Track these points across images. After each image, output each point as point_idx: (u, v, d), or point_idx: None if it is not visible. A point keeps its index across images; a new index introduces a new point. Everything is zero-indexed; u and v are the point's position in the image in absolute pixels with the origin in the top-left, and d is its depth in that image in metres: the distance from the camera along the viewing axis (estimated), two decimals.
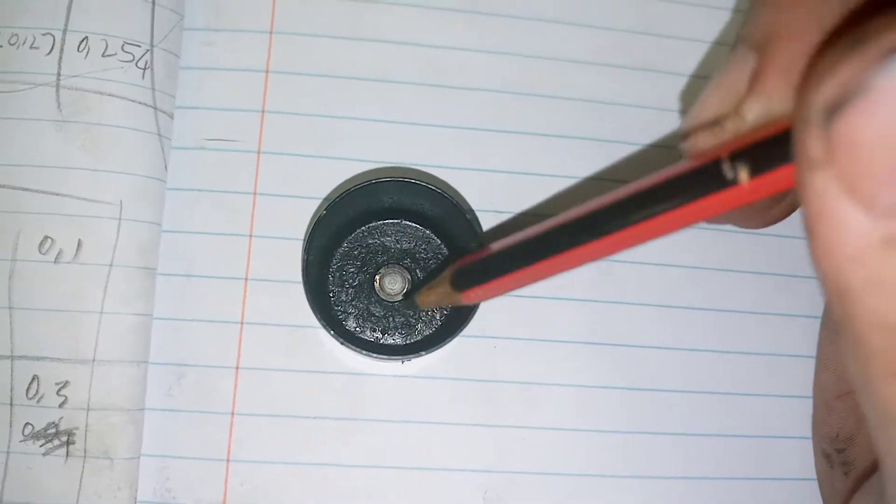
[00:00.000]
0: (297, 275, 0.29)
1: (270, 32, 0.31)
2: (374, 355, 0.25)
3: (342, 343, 0.25)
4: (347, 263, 0.28)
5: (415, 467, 0.28)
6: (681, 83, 0.32)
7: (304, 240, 0.27)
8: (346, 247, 0.29)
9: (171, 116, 0.29)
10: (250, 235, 0.29)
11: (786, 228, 0.29)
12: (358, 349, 0.25)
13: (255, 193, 0.30)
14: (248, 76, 0.31)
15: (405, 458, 0.28)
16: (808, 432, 0.29)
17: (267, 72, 0.31)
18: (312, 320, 0.29)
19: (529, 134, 0.31)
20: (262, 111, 0.30)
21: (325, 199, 0.30)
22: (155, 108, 0.29)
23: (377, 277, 0.29)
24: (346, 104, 0.30)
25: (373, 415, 0.28)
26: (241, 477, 0.28)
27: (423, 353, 0.26)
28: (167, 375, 0.28)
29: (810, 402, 0.29)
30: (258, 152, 0.30)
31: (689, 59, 0.32)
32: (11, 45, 0.28)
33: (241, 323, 0.29)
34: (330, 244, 0.28)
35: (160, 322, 0.28)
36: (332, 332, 0.25)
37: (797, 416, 0.30)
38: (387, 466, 0.28)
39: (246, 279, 0.29)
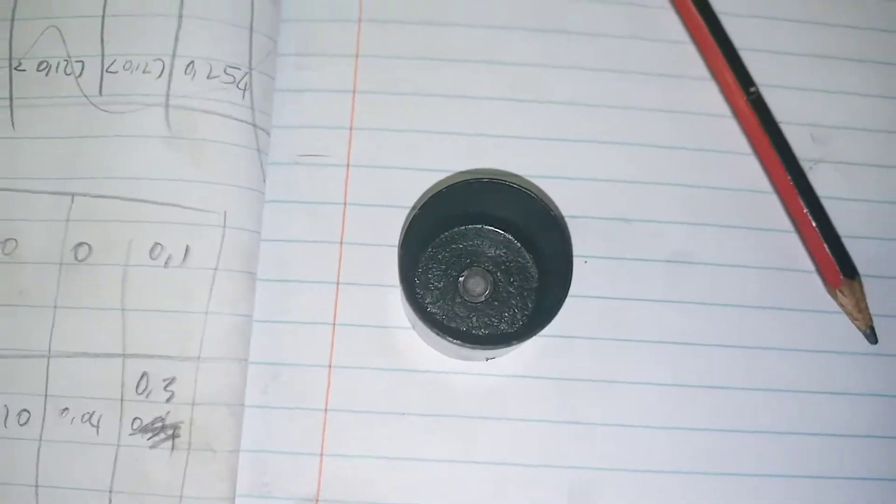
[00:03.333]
0: (385, 279, 0.30)
1: (356, 56, 0.32)
2: (466, 345, 0.25)
3: (437, 333, 0.25)
4: (432, 266, 0.29)
5: (499, 462, 0.28)
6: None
7: (401, 236, 0.28)
8: (431, 251, 0.29)
9: (268, 133, 0.31)
10: (341, 242, 0.30)
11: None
12: (451, 339, 0.25)
13: (344, 203, 0.30)
14: (336, 96, 0.32)
15: (489, 453, 0.28)
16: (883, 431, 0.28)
17: (354, 92, 0.32)
18: (400, 321, 0.29)
19: (606, 143, 0.31)
20: (350, 128, 0.31)
21: (411, 207, 0.30)
22: (254, 126, 0.30)
23: (461, 280, 0.29)
24: (427, 120, 0.31)
25: (457, 412, 0.28)
26: (334, 471, 0.28)
27: (515, 342, 0.26)
28: (264, 374, 0.29)
29: (878, 400, 0.28)
30: (347, 166, 0.31)
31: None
32: (126, 70, 0.30)
33: (334, 324, 0.29)
34: (416, 249, 0.29)
35: (257, 324, 0.29)
36: (428, 323, 0.25)
37: (874, 416, 0.29)
38: (472, 462, 0.28)
39: (337, 283, 0.30)
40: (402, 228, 0.28)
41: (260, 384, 0.29)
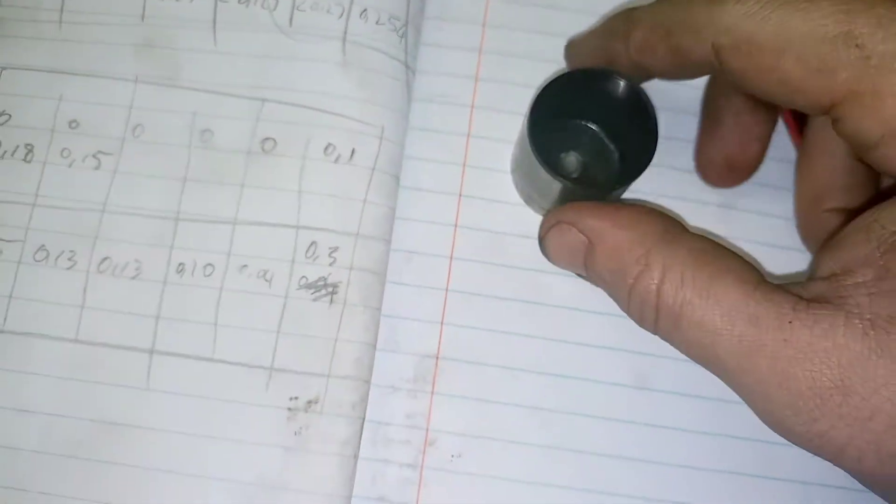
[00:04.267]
0: (497, 195, 0.37)
1: (483, 25, 0.40)
2: (586, 189, 0.32)
3: (553, 175, 0.31)
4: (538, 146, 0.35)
5: (581, 343, 0.35)
6: None
7: (531, 104, 0.32)
8: (536, 136, 0.35)
9: (414, 73, 0.38)
10: (464, 165, 0.37)
11: None
12: (565, 181, 0.31)
13: (468, 135, 0.38)
14: (465, 54, 0.39)
15: (574, 336, 0.35)
16: None
17: (480, 51, 0.39)
18: (508, 228, 0.37)
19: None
20: (476, 78, 0.39)
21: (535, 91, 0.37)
22: (406, 66, 0.37)
23: (560, 156, 0.35)
24: (540, 77, 0.39)
25: (555, 302, 0.36)
26: (450, 336, 0.35)
27: (617, 186, 0.32)
28: (400, 258, 0.36)
29: None
30: (472, 106, 0.38)
31: None
32: (312, 10, 0.37)
33: (455, 225, 0.36)
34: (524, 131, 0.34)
35: (398, 220, 0.36)
36: (546, 166, 0.31)
37: None
38: (559, 340, 0.35)
39: (460, 195, 0.37)
40: (532, 100, 0.33)
41: (397, 265, 0.36)
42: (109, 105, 0.36)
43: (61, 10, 0.38)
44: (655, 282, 0.27)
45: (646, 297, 0.27)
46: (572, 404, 0.35)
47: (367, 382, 0.33)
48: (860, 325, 0.23)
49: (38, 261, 0.35)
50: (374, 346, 0.34)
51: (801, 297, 0.25)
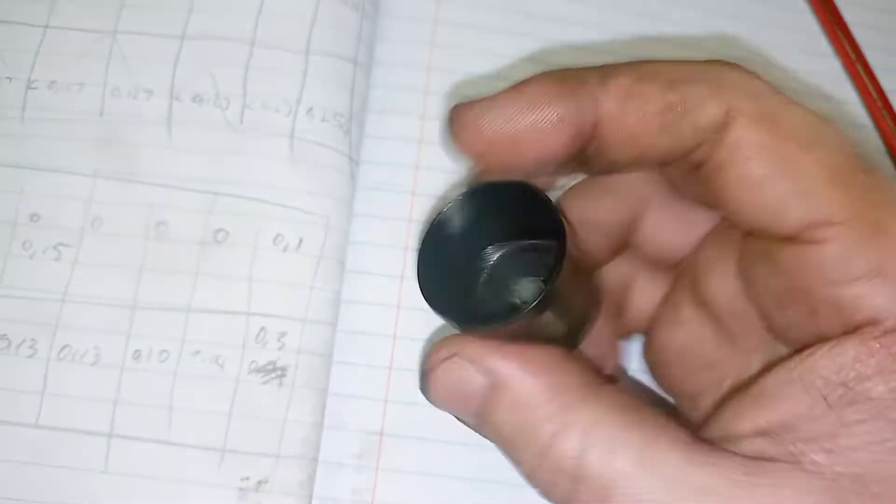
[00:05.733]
0: None
1: (423, 117, 0.42)
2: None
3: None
4: None
5: None
6: None
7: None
8: None
9: (358, 165, 0.40)
10: (406, 248, 0.39)
11: None
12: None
13: (409, 220, 0.40)
14: (406, 144, 0.41)
15: None
16: None
17: (420, 142, 0.42)
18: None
19: None
20: (416, 167, 0.41)
21: None
22: (350, 158, 0.39)
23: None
24: None
25: None
26: (394, 412, 0.36)
27: None
28: (346, 338, 0.37)
29: None
30: (413, 193, 0.40)
31: None
32: (262, 108, 0.39)
33: (398, 306, 0.38)
34: None
35: (344, 302, 0.38)
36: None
37: None
38: None
39: (402, 277, 0.39)
40: None
41: (343, 346, 0.37)
42: (69, 199, 0.38)
43: (23, 107, 0.39)
44: (576, 447, 0.22)
45: (562, 465, 0.22)
46: (516, 477, 0.36)
47: (315, 460, 0.35)
48: (824, 484, 0.21)
49: (0, 350, 0.36)
50: (321, 426, 0.35)
51: (745, 457, 0.21)
